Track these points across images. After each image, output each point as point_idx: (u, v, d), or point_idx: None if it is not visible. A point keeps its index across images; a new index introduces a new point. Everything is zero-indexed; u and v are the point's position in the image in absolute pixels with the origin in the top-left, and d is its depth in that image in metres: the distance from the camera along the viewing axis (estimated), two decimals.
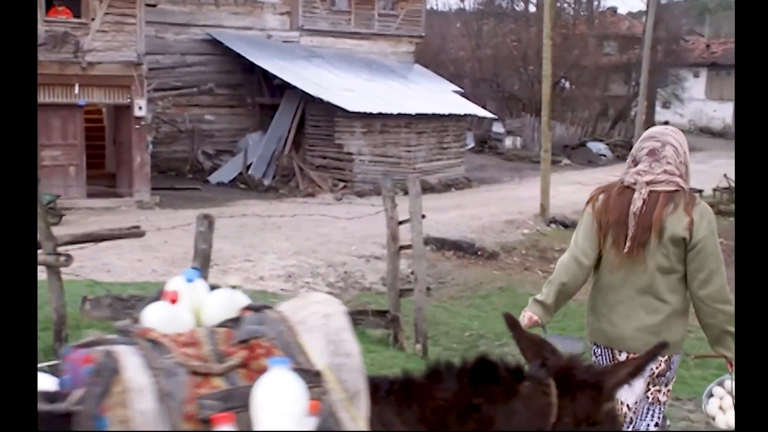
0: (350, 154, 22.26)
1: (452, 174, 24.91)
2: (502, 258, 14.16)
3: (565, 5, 41.97)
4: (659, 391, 3.71)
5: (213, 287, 2.04)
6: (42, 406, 1.62)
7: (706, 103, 53.54)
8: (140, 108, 17.57)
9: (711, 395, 4.04)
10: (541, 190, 18.02)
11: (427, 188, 23.11)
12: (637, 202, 3.66)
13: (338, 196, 20.92)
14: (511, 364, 2.06)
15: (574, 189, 23.20)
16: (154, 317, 1.80)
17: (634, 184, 3.71)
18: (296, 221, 15.76)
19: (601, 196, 3.83)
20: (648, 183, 3.68)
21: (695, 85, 53.04)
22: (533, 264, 14.22)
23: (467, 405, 1.98)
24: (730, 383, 3.98)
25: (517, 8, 43.38)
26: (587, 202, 3.92)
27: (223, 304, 1.93)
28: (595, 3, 45.85)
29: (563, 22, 38.46)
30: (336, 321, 1.87)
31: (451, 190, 23.82)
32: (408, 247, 6.28)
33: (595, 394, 2.07)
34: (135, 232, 5.38)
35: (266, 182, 22.26)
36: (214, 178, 22.89)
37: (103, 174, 20.09)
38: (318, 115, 22.82)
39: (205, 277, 5.57)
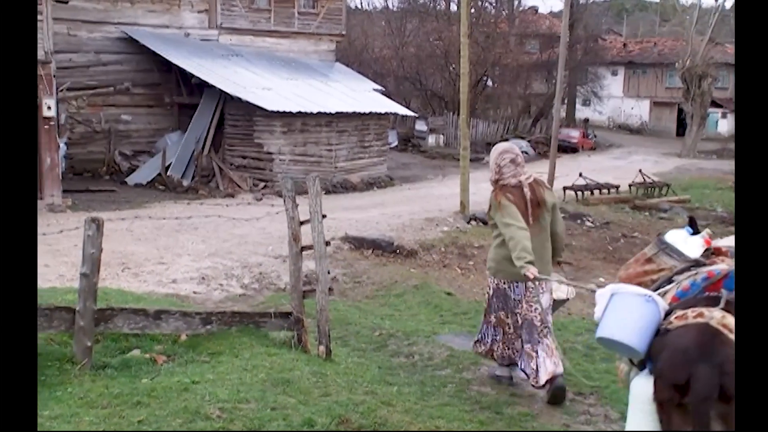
0: (270, 153, 22.05)
1: (374, 172, 24.91)
2: (421, 256, 14.16)
3: (487, 4, 42.45)
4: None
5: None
6: None
7: (624, 100, 54.90)
8: (49, 108, 16.97)
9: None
10: (461, 187, 18.12)
11: (349, 187, 23.09)
12: (528, 192, 6.01)
13: (258, 196, 20.67)
14: None
15: None
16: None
17: (519, 182, 6.03)
18: (214, 222, 15.52)
19: (507, 194, 5.93)
20: (525, 180, 6.06)
21: (613, 83, 54.35)
22: (452, 261, 14.26)
23: None
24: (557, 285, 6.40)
25: (439, 7, 43.66)
26: (497, 199, 5.95)
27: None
28: (516, 2, 46.50)
29: (485, 20, 38.86)
30: None
31: (374, 189, 23.81)
32: (310, 247, 6.18)
33: None
34: None
35: (186, 183, 21.86)
36: (131, 179, 22.37)
37: None
38: (237, 115, 22.53)
39: (95, 282, 5.39)
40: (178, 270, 11.93)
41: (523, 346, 6.01)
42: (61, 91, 19.73)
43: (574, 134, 40.93)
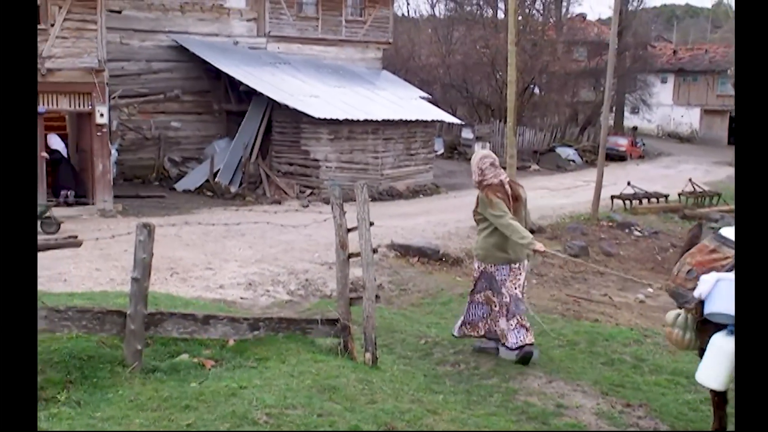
0: (317, 160, 22.18)
1: (420, 180, 24.90)
2: (467, 264, 14.09)
3: (535, 12, 42.18)
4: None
5: None
6: None
7: (674, 108, 54.04)
8: (102, 115, 17.33)
9: None
10: None
11: (395, 194, 23.11)
12: (508, 189, 7.15)
13: (305, 203, 20.81)
14: None
15: (542, 194, 23.28)
16: None
17: (500, 181, 7.14)
18: (261, 228, 15.63)
19: (495, 192, 7.04)
20: (504, 179, 7.18)
21: (663, 91, 53.53)
22: None
23: None
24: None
25: (487, 15, 43.50)
26: (489, 197, 7.03)
27: None
28: (564, 9, 46.13)
29: (532, 28, 38.60)
30: None
31: (419, 196, 23.80)
32: (357, 254, 6.20)
33: None
34: (71, 242, 5.25)
35: (233, 189, 22.11)
36: (180, 185, 22.70)
37: None
38: (284, 122, 22.72)
39: (146, 287, 5.47)
40: (225, 275, 12.07)
41: (512, 319, 7.13)
42: (113, 98, 20.10)
43: (623, 142, 40.42)
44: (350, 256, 6.32)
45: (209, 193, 21.97)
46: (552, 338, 8.18)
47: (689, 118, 53.05)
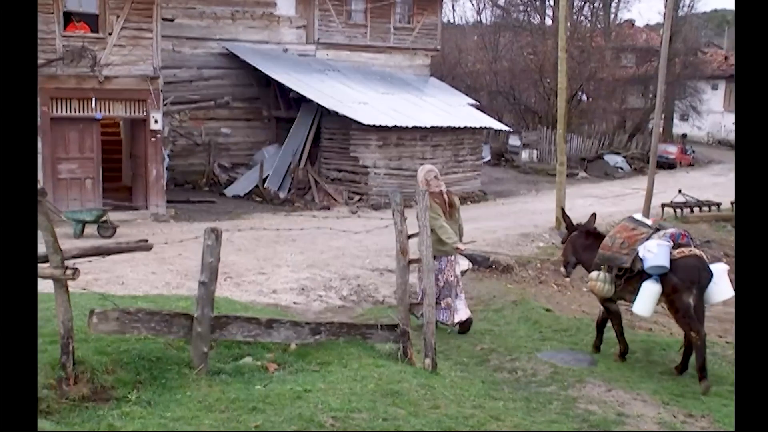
0: (365, 167, 22.27)
1: (468, 187, 24.85)
2: (517, 271, 14.05)
3: (582, 18, 41.88)
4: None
5: None
6: None
7: (725, 115, 53.11)
8: (156, 121, 17.65)
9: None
10: (557, 203, 17.91)
11: None
12: (446, 198, 8.81)
13: (353, 209, 20.92)
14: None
15: (590, 202, 23.08)
16: None
17: (441, 191, 8.78)
18: (311, 234, 15.76)
19: (435, 199, 8.56)
20: (444, 189, 8.87)
21: (713, 98, 52.67)
22: (548, 277, 14.09)
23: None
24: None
25: (534, 21, 43.31)
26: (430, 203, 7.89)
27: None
28: (612, 15, 45.70)
29: (580, 34, 38.32)
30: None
31: (467, 203, 23.69)
32: (417, 260, 6.24)
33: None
34: (143, 246, 5.37)
35: (282, 195, 22.30)
36: (230, 191, 22.97)
37: (119, 187, 20.21)
38: (333, 128, 22.87)
39: (213, 290, 5.58)
40: (277, 280, 12.20)
41: (442, 300, 8.66)
42: (165, 105, 20.44)
43: (672, 150, 39.85)
44: (410, 262, 6.38)
45: (258, 199, 22.19)
46: (608, 347, 8.13)
47: None
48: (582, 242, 8.51)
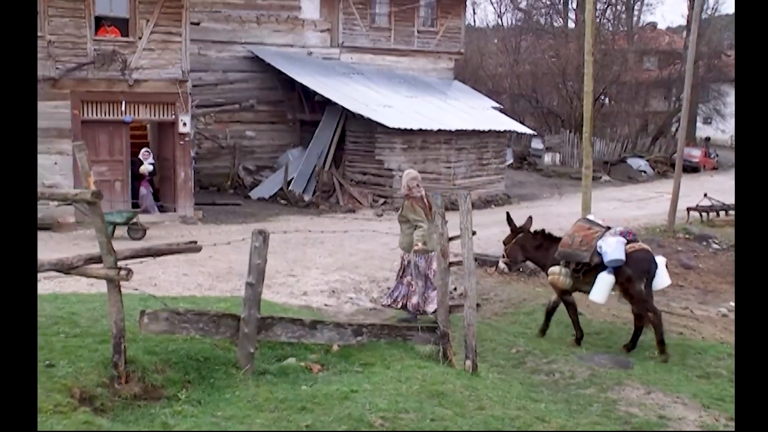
0: (390, 170, 22.32)
1: (492, 190, 24.86)
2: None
3: (605, 21, 41.75)
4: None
5: None
6: None
7: None
8: (184, 124, 17.81)
9: None
10: (583, 206, 17.81)
11: None
12: (426, 200, 9.45)
13: (378, 212, 20.98)
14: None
15: (614, 205, 23.04)
16: None
17: (422, 195, 9.54)
18: (339, 236, 15.82)
19: (418, 203, 9.42)
20: (424, 193, 9.58)
21: None
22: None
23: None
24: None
25: (556, 24, 43.22)
26: (413, 207, 9.45)
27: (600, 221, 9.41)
28: (635, 18, 45.53)
29: (603, 37, 38.21)
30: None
31: (491, 207, 23.75)
32: (458, 263, 6.29)
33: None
34: (192, 247, 5.46)
35: (307, 198, 22.40)
36: (254, 193, 23.11)
37: None
38: (358, 131, 22.94)
39: (259, 291, 5.65)
40: (308, 283, 12.27)
41: (417, 291, 9.40)
42: (192, 108, 20.59)
43: (696, 153, 39.61)
44: (450, 264, 6.42)
45: (283, 202, 22.30)
46: (644, 349, 8.14)
47: None
48: (532, 242, 9.84)
